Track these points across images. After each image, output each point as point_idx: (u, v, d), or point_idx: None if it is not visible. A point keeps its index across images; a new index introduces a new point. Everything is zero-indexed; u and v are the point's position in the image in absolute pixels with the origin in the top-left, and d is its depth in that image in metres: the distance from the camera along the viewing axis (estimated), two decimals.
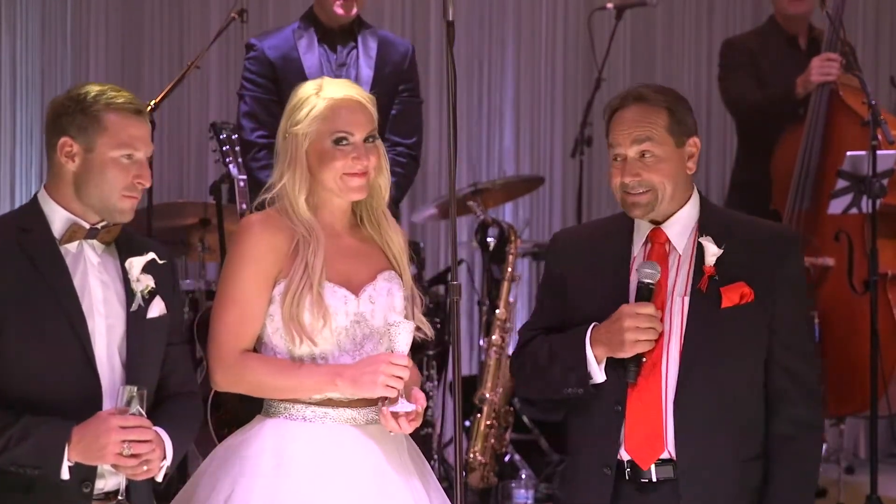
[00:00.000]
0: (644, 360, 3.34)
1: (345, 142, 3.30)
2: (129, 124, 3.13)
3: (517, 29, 7.46)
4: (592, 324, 3.37)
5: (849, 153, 5.52)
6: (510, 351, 5.84)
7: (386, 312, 3.31)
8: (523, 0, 7.45)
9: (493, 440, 5.65)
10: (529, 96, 7.47)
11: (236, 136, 5.09)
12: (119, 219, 3.16)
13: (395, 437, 3.32)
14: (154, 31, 7.09)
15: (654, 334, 3.31)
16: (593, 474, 3.41)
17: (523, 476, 5.76)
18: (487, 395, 5.68)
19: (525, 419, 6.04)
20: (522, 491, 5.60)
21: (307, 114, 3.29)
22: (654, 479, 3.37)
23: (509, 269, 5.88)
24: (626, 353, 3.32)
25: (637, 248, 3.45)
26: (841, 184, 5.50)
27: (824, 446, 6.43)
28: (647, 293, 3.33)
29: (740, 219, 3.55)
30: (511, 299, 5.86)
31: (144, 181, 3.15)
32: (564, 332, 3.44)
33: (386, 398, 3.22)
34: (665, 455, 3.36)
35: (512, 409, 5.76)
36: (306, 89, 3.35)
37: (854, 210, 5.51)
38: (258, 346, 3.31)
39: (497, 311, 5.82)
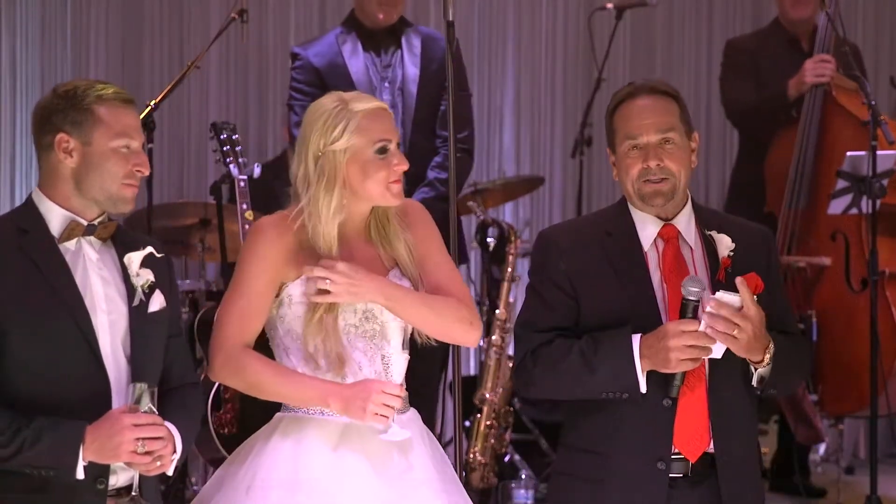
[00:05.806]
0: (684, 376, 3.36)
1: (386, 150, 3.28)
2: (122, 114, 3.16)
3: (517, 29, 7.46)
4: (635, 335, 3.36)
5: (849, 153, 5.51)
6: (510, 351, 5.84)
7: None
8: (523, 0, 7.46)
9: (493, 440, 5.65)
10: (529, 96, 7.48)
11: (237, 136, 5.08)
12: (122, 209, 3.18)
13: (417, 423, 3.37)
14: (154, 31, 7.09)
15: (701, 352, 3.30)
16: (643, 470, 3.39)
17: (523, 476, 5.76)
18: (487, 396, 5.68)
19: (525, 419, 6.03)
20: (522, 491, 5.60)
21: (343, 129, 3.24)
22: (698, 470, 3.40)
23: (509, 270, 5.88)
24: (672, 371, 3.32)
25: (647, 246, 3.45)
26: (841, 184, 5.49)
27: (823, 446, 6.44)
28: (690, 310, 3.31)
29: (720, 215, 3.60)
30: (511, 299, 5.85)
31: (143, 169, 3.18)
32: (581, 334, 3.43)
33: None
34: (709, 449, 3.40)
35: (512, 409, 5.76)
36: (326, 106, 3.29)
37: (854, 210, 5.51)
38: (271, 346, 3.33)
39: (497, 311, 5.82)
